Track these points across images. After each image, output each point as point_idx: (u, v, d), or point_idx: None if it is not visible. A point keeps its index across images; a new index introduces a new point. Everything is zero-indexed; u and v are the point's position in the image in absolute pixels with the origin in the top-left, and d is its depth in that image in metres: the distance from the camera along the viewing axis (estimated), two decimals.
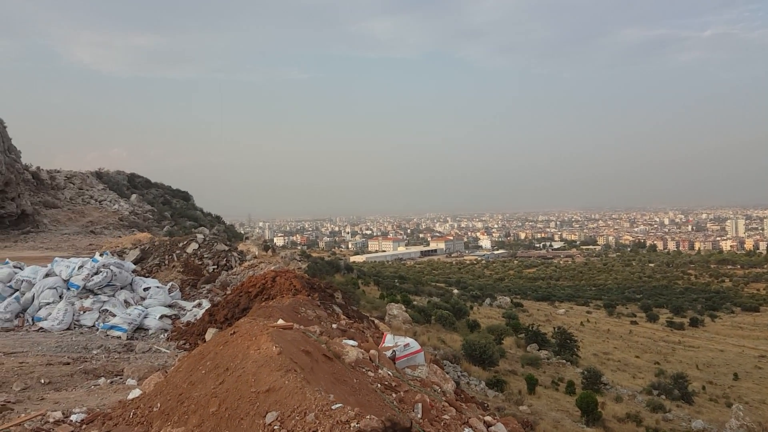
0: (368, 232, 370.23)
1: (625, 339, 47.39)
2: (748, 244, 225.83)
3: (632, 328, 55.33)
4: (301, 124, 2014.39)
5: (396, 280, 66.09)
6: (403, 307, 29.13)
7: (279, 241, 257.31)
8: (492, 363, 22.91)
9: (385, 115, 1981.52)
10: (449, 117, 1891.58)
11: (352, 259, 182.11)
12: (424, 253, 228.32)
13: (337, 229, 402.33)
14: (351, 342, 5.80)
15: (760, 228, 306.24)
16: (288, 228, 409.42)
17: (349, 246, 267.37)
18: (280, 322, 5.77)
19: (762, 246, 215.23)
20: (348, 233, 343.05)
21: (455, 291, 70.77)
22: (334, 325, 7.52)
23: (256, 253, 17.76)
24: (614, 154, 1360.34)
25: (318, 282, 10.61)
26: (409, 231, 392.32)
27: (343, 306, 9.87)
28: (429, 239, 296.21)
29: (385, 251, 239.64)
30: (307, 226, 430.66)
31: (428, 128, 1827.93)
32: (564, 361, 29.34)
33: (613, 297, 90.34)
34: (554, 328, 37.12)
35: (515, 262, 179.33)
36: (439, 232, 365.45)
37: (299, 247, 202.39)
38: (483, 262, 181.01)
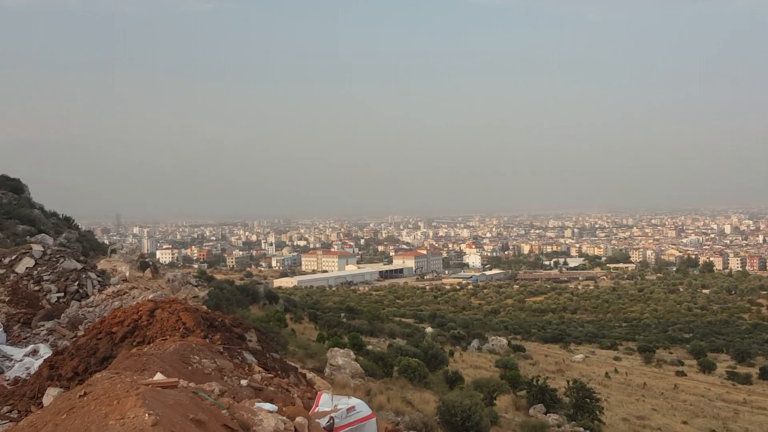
0: (302, 243, 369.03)
1: (669, 397, 48.59)
2: None
3: (678, 382, 56.77)
4: (200, 80, 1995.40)
5: (343, 315, 65.86)
6: (352, 353, 29.04)
7: (164, 256, 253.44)
8: None
9: (320, 73, 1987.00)
10: (417, 75, 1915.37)
11: (277, 282, 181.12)
12: (384, 275, 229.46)
13: (254, 238, 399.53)
14: (268, 406, 5.71)
15: None
16: (179, 236, 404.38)
17: (273, 263, 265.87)
18: (159, 377, 5.62)
19: None
20: (271, 244, 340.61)
21: (429, 329, 71.18)
22: (243, 381, 7.41)
23: (127, 274, 17.38)
24: (654, 133, 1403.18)
25: (221, 318, 10.45)
26: (362, 242, 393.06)
27: (260, 353, 9.74)
28: (392, 254, 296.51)
29: (327, 271, 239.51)
30: (209, 233, 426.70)
31: (387, 91, 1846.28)
32: (582, 429, 29.82)
33: (652, 337, 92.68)
34: (568, 381, 37.67)
35: (515, 287, 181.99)
36: (407, 244, 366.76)
37: (196, 266, 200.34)
38: (470, 287, 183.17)
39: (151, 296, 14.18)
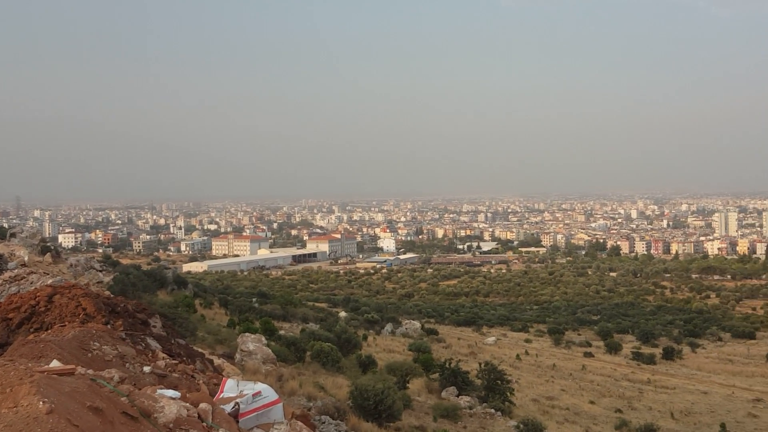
0: (212, 226, 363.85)
1: (577, 378, 50.13)
2: (742, 246, 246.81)
3: (586, 363, 58.61)
4: (97, 55, 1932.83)
5: (254, 300, 65.46)
6: (263, 339, 28.87)
7: (66, 241, 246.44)
8: (392, 417, 23.32)
9: (230, 52, 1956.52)
10: (336, 57, 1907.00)
11: (187, 267, 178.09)
12: (297, 259, 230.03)
13: (162, 222, 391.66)
14: (170, 393, 5.61)
15: (757, 224, 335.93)
16: (82, 220, 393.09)
17: (183, 248, 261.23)
18: (56, 364, 5.47)
19: (760, 249, 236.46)
20: (180, 228, 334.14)
21: (342, 314, 71.40)
22: (146, 368, 7.27)
23: (26, 258, 16.81)
24: (565, 120, 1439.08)
25: (124, 303, 10.21)
26: (275, 225, 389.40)
27: (164, 339, 9.57)
28: (305, 237, 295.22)
29: (238, 255, 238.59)
30: (114, 216, 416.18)
31: (302, 73, 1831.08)
32: (493, 410, 30.45)
33: (562, 320, 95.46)
34: (480, 364, 38.46)
35: (429, 271, 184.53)
36: (321, 228, 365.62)
37: (101, 250, 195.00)
38: (384, 271, 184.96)
39: (50, 281, 13.74)
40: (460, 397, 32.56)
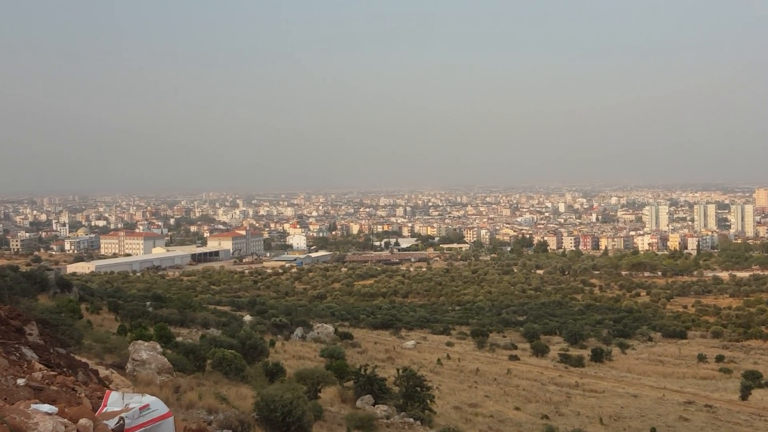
0: (101, 222, 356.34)
1: (502, 383, 50.99)
2: (673, 241, 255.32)
3: (511, 366, 59.74)
4: None
5: (148, 304, 64.28)
6: (158, 346, 28.29)
7: None
8: (302, 429, 23.21)
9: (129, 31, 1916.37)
10: (238, 45, 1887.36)
11: (72, 268, 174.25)
12: (198, 258, 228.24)
13: (44, 217, 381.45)
14: (46, 408, 5.46)
15: (689, 218, 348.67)
16: None
17: (67, 246, 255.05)
18: None
19: (691, 244, 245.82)
20: (64, 225, 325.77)
21: (247, 318, 70.78)
22: (20, 381, 7.04)
23: None
24: (487, 109, 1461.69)
25: None
26: (172, 221, 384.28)
27: (42, 348, 9.29)
28: (206, 235, 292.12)
29: (130, 255, 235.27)
30: None
31: (198, 63, 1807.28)
32: (412, 419, 30.68)
33: (486, 321, 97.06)
34: (398, 370, 38.66)
35: (343, 269, 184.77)
36: (224, 224, 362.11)
37: None
38: (294, 270, 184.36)
39: None
40: (376, 406, 32.68)
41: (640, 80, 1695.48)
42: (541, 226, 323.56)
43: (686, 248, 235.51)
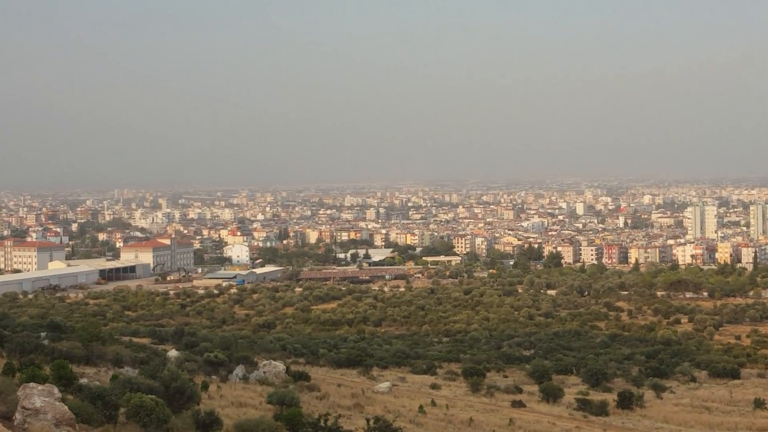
0: None
1: None
2: (723, 253, 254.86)
3: (515, 415, 59.72)
4: None
5: (44, 335, 63.78)
6: (56, 390, 28.16)
7: None
8: None
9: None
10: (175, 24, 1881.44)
11: None
12: (108, 275, 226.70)
13: None
14: None
15: (743, 222, 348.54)
16: None
17: None
18: None
19: (746, 255, 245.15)
20: None
21: (172, 353, 70.30)
22: None
23: None
24: (486, 85, 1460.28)
25: None
26: (75, 227, 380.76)
27: None
28: (119, 244, 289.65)
29: (20, 271, 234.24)
30: None
31: (114, 34, 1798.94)
32: None
33: (482, 356, 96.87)
34: (369, 420, 38.68)
35: (297, 290, 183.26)
36: (143, 230, 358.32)
37: None
38: (233, 291, 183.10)
39: None
40: None
41: (683, 41, 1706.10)
42: (554, 232, 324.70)
43: (740, 261, 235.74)
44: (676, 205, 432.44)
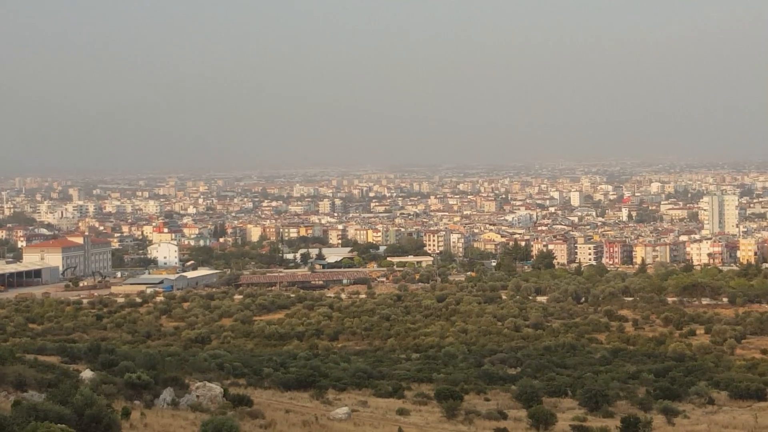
0: None
1: None
2: (746, 251, 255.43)
3: None
4: None
5: None
6: None
7: None
8: None
9: None
10: None
11: None
12: (8, 280, 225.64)
13: None
14: None
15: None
16: None
17: None
18: None
19: None
20: None
21: (87, 374, 70.03)
22: None
23: None
24: (464, 54, 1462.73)
25: None
26: None
27: None
28: (21, 244, 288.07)
29: None
30: None
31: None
32: None
33: (459, 376, 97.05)
34: None
35: (237, 297, 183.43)
36: (50, 227, 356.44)
37: None
38: (159, 299, 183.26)
39: None
40: None
41: (694, 10, 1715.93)
42: (544, 227, 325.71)
43: (766, 262, 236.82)
44: (689, 195, 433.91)
